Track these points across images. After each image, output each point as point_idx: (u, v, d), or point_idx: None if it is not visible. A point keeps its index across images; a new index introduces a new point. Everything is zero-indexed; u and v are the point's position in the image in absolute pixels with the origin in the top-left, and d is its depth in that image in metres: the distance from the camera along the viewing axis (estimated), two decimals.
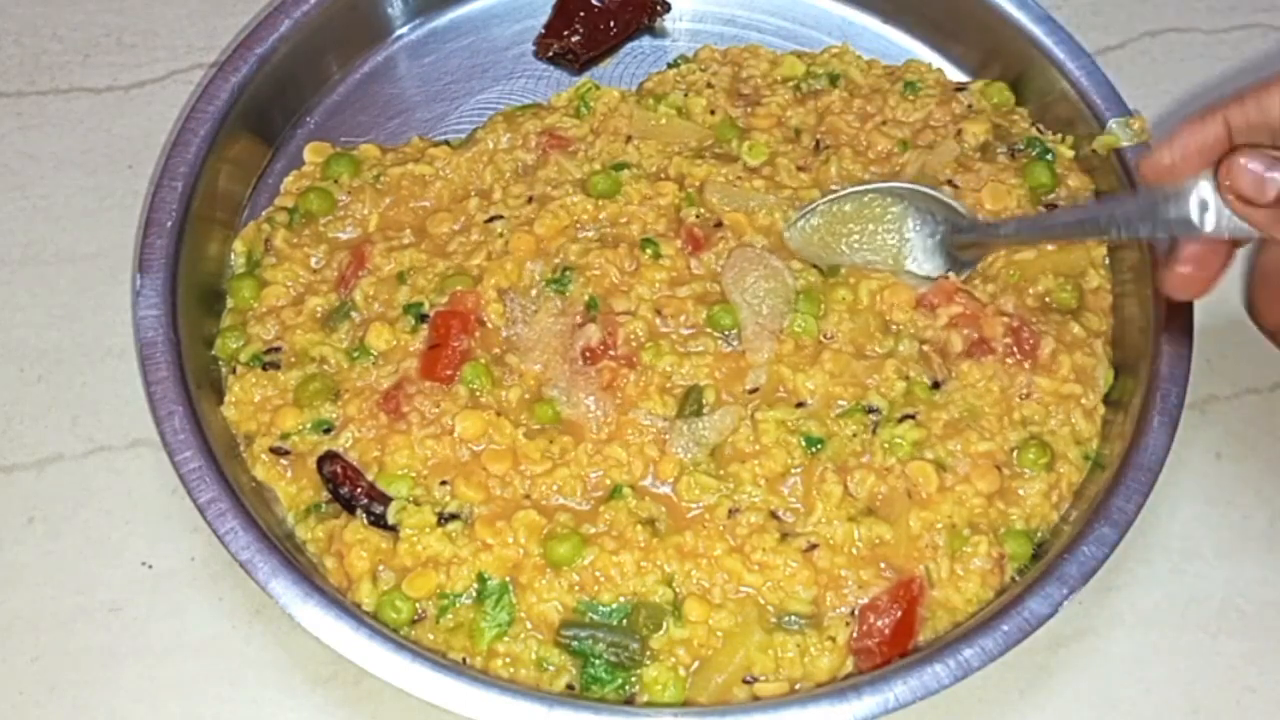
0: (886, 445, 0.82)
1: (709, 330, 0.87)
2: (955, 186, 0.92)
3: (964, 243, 0.88)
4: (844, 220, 0.91)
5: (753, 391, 0.85)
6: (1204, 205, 0.68)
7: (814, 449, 0.82)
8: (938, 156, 0.94)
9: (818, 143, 0.96)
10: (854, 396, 0.84)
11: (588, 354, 0.85)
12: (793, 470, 0.82)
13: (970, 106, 0.98)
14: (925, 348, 0.86)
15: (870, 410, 0.84)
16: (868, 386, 0.84)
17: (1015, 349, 0.85)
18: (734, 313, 0.86)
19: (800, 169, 0.94)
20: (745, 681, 0.77)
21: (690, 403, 0.84)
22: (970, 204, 0.91)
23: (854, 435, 0.83)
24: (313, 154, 0.97)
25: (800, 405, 0.84)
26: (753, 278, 0.88)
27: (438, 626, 0.78)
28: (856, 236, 0.90)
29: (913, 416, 0.83)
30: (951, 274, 0.88)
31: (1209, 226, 0.68)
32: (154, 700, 0.81)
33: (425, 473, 0.82)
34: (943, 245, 0.89)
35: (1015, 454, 0.83)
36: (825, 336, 0.87)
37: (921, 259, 0.90)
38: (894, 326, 0.87)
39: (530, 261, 0.89)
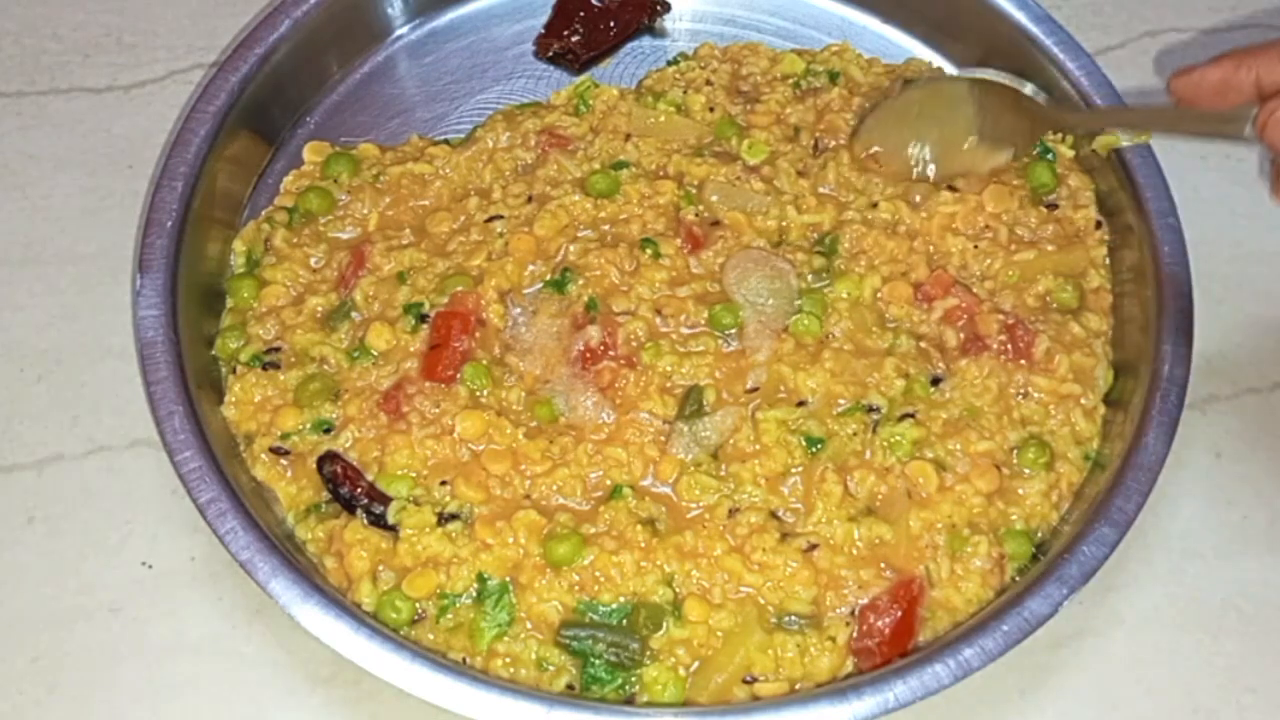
0: (886, 444, 0.82)
1: (709, 330, 0.87)
2: (955, 190, 0.92)
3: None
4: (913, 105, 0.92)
5: (752, 391, 0.85)
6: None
7: (814, 449, 0.82)
8: None
9: (816, 142, 0.95)
10: (854, 395, 0.84)
11: (588, 354, 0.85)
12: (793, 470, 0.82)
13: None
14: (923, 344, 0.86)
15: (870, 409, 0.84)
16: (868, 385, 0.84)
17: (1009, 346, 0.86)
18: (735, 312, 0.86)
19: (800, 174, 0.93)
20: (745, 681, 0.77)
21: (690, 403, 0.84)
22: (971, 207, 0.91)
23: (854, 434, 0.83)
24: (312, 153, 0.97)
25: (801, 404, 0.84)
26: (756, 278, 0.88)
27: (438, 626, 0.78)
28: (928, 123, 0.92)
29: (912, 415, 0.83)
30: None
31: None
32: (154, 700, 0.81)
33: (425, 473, 0.82)
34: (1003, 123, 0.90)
35: (1015, 453, 0.83)
36: (826, 336, 0.87)
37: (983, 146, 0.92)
38: (891, 322, 0.87)
39: (530, 262, 0.89)
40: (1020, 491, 0.82)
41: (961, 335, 0.86)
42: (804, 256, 0.90)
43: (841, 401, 0.84)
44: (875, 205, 0.91)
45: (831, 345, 0.86)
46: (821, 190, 0.93)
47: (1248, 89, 0.74)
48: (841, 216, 0.91)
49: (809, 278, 0.89)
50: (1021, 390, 0.85)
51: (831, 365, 0.85)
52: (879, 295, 0.88)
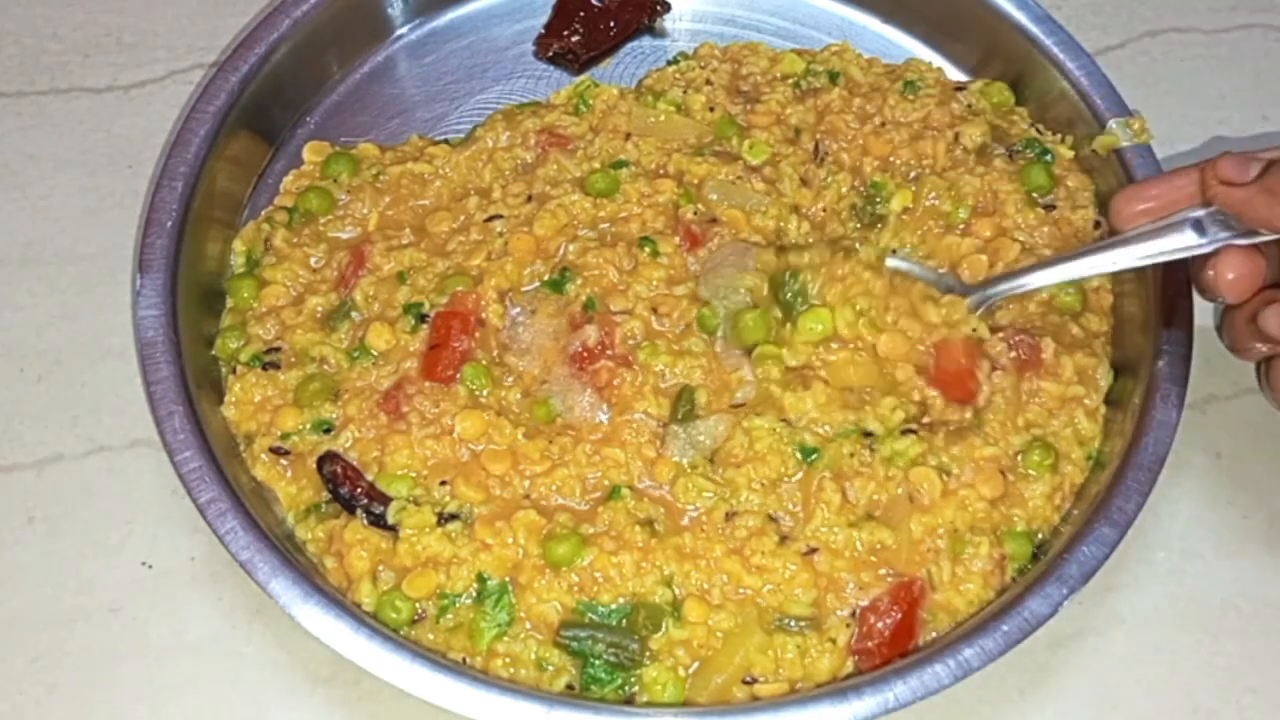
0: (887, 459, 0.81)
1: (700, 331, 0.86)
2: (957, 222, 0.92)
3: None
4: None
5: (739, 405, 0.84)
6: (1199, 225, 0.74)
7: (809, 459, 0.81)
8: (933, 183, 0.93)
9: (817, 145, 0.95)
10: (844, 421, 0.83)
11: (585, 354, 0.85)
12: (787, 478, 0.81)
13: (970, 106, 0.98)
14: (927, 418, 0.84)
15: (866, 434, 0.82)
16: (864, 412, 0.83)
17: (1020, 358, 0.85)
18: (717, 313, 0.86)
19: (804, 183, 0.93)
20: (745, 682, 0.77)
21: (683, 404, 0.83)
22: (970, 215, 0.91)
23: (851, 455, 0.81)
24: (312, 153, 0.97)
25: (785, 422, 0.83)
26: (721, 274, 0.86)
27: (438, 626, 0.78)
28: None
29: (914, 431, 0.82)
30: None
31: (1204, 240, 0.74)
32: (154, 700, 0.81)
33: (425, 473, 0.82)
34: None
35: (1020, 457, 0.83)
36: (805, 367, 0.85)
37: None
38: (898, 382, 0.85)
39: (529, 262, 0.89)
40: (1025, 494, 0.82)
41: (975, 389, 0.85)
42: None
43: (827, 427, 0.83)
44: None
45: (819, 376, 0.84)
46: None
47: (1192, 191, 0.75)
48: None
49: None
50: (1032, 396, 0.85)
51: (823, 399, 0.83)
52: (879, 346, 0.85)
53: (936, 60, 1.03)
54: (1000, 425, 0.83)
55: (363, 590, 0.78)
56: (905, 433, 0.82)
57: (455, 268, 0.88)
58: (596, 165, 0.94)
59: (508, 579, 0.78)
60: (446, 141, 0.97)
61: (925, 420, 0.84)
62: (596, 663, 0.76)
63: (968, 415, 0.84)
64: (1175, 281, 0.86)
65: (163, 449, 0.80)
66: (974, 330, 0.85)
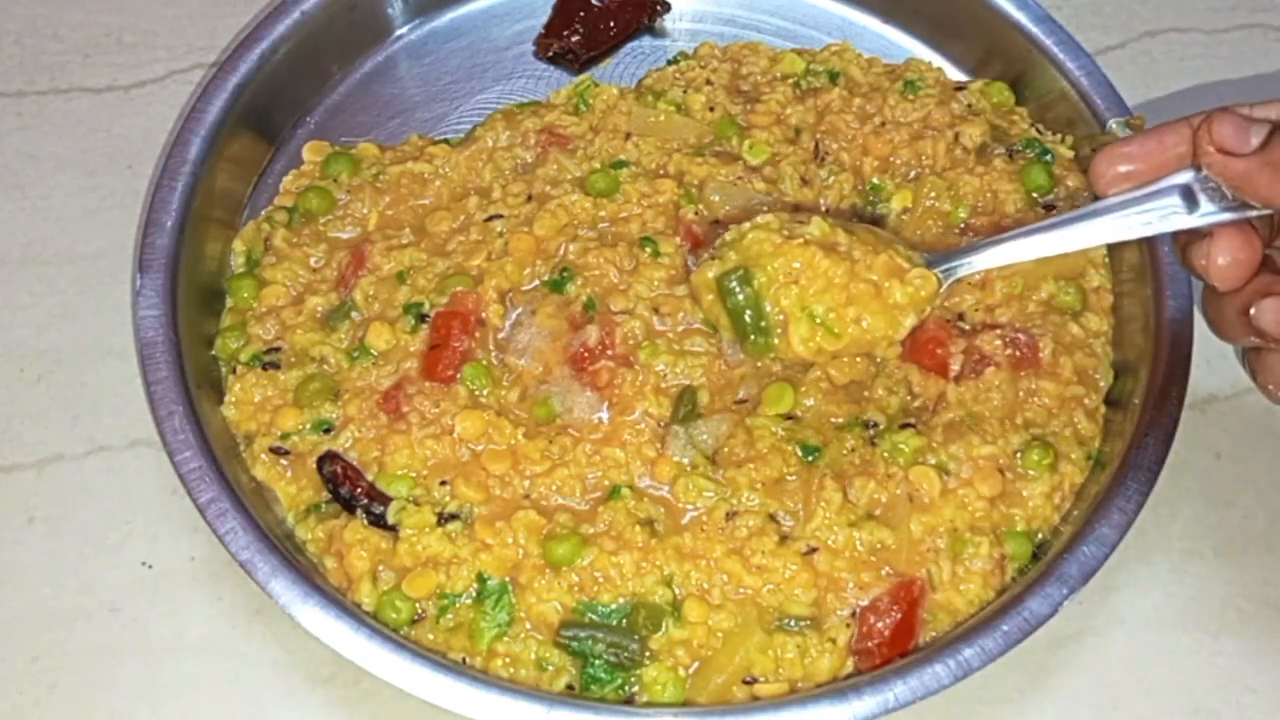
0: (887, 454, 0.81)
1: (705, 329, 0.86)
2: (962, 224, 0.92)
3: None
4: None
5: (742, 402, 0.84)
6: (1188, 193, 0.68)
7: (810, 458, 0.81)
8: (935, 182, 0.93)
9: (817, 145, 0.95)
10: (849, 413, 0.83)
11: (585, 354, 0.85)
12: (789, 476, 0.81)
13: (970, 106, 0.98)
14: (917, 401, 0.84)
15: (868, 425, 0.83)
16: (864, 401, 0.84)
17: (1016, 355, 0.85)
18: None
19: (804, 182, 0.93)
20: (745, 682, 0.77)
21: (684, 403, 0.83)
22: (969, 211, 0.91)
23: (852, 449, 0.82)
24: (311, 153, 0.97)
25: (790, 418, 0.83)
26: None
27: (438, 626, 0.78)
28: None
29: (912, 425, 0.83)
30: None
31: (1193, 214, 0.68)
32: (154, 700, 0.81)
33: (425, 473, 0.82)
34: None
35: (1019, 456, 0.83)
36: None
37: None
38: (880, 361, 0.86)
39: (530, 262, 0.89)
40: (1024, 493, 0.82)
41: (965, 368, 0.85)
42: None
43: (836, 419, 0.83)
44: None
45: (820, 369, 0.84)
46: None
47: (1182, 151, 0.68)
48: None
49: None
50: (1031, 395, 0.85)
51: (825, 385, 0.84)
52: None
53: (936, 60, 1.04)
54: (999, 424, 0.83)
55: (363, 590, 0.78)
56: (904, 426, 0.82)
57: (455, 268, 0.88)
58: (596, 165, 0.94)
59: (508, 579, 0.78)
60: (446, 141, 0.97)
61: (915, 403, 0.84)
62: (596, 663, 0.76)
63: (948, 391, 0.84)
64: (1175, 281, 0.86)
65: (163, 449, 0.80)
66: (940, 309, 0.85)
